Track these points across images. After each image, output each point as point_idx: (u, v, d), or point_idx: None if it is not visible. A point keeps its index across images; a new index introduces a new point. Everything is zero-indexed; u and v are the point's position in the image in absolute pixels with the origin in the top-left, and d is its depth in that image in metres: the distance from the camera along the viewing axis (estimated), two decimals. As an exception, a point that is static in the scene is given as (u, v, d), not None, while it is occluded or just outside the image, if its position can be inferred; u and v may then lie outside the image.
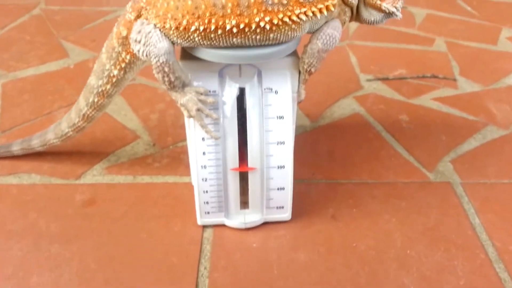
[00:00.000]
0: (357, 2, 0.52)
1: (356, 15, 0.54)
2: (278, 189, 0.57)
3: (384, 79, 0.91)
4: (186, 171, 0.67)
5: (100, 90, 0.57)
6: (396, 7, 0.52)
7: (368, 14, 0.53)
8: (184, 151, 0.71)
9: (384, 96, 0.86)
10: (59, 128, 0.64)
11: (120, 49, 0.53)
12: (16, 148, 0.68)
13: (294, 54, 0.54)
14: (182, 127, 0.76)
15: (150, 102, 0.83)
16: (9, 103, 0.82)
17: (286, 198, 0.57)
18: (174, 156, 0.71)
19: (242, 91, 0.53)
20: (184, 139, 0.74)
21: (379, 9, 0.52)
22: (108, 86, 0.57)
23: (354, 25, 1.13)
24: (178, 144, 0.73)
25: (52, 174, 0.66)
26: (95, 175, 0.67)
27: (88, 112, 0.60)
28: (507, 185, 0.66)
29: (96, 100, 0.59)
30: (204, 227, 0.59)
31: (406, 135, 0.76)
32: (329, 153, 0.72)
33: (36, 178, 0.66)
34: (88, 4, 1.23)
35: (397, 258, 0.56)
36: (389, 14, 0.53)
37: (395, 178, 0.67)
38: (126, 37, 0.51)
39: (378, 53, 1.02)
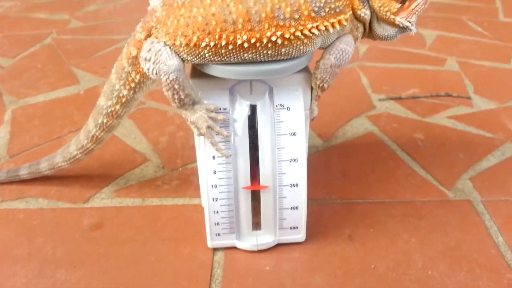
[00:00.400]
0: (369, 18, 0.51)
1: (369, 32, 0.53)
2: (291, 208, 0.55)
3: (397, 99, 0.90)
4: (196, 193, 0.65)
5: (109, 110, 0.57)
6: (410, 22, 0.51)
7: (382, 29, 0.52)
8: (194, 173, 0.70)
9: (397, 115, 0.85)
10: (68, 151, 0.63)
11: (130, 69, 0.53)
12: (23, 172, 0.67)
13: (306, 70, 0.53)
14: (192, 148, 0.75)
15: (159, 125, 0.82)
16: (19, 129, 0.82)
17: (300, 217, 0.55)
18: (183, 178, 0.69)
19: (253, 108, 0.52)
20: (194, 161, 0.72)
21: (393, 23, 0.51)
22: (118, 107, 0.56)
23: (363, 47, 1.13)
24: (187, 166, 0.72)
25: (60, 198, 0.65)
26: (104, 198, 0.65)
27: (97, 134, 0.60)
28: (531, 203, 0.64)
29: (105, 121, 0.58)
30: (215, 250, 0.57)
31: (422, 154, 0.74)
32: (343, 173, 0.70)
33: (44, 203, 0.65)
34: (99, 33, 1.25)
35: (418, 280, 0.53)
36: (403, 29, 0.52)
37: (412, 197, 0.65)
38: (136, 57, 0.51)
39: (389, 73, 1.01)
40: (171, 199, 0.65)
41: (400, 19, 0.51)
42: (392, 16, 0.50)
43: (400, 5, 0.50)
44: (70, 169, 0.67)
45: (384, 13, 0.50)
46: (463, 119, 0.83)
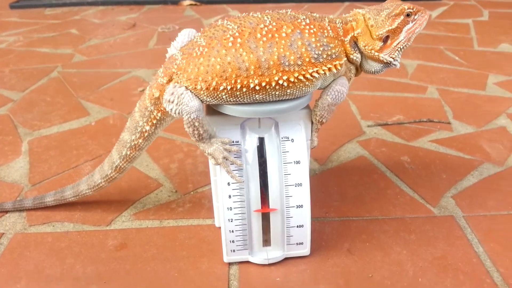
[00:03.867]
0: (360, 60, 0.59)
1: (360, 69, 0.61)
2: (297, 226, 0.62)
3: (384, 125, 0.98)
4: (208, 214, 0.72)
5: (132, 144, 0.64)
6: (393, 57, 0.59)
7: (369, 65, 0.60)
8: (205, 196, 0.77)
9: (385, 139, 0.93)
10: (92, 180, 0.70)
11: (152, 108, 0.60)
12: (49, 199, 0.73)
13: (307, 107, 0.61)
14: (201, 174, 0.82)
15: (169, 153, 0.89)
16: (37, 159, 0.88)
17: (305, 234, 0.62)
18: (195, 201, 0.76)
19: (261, 140, 0.60)
20: (204, 185, 0.79)
21: (377, 60, 0.59)
22: (140, 140, 0.63)
23: (351, 76, 1.22)
24: (198, 190, 0.79)
25: (84, 222, 0.71)
26: (124, 221, 0.71)
27: (120, 164, 0.66)
28: (507, 216, 0.72)
29: (128, 153, 0.65)
30: (230, 264, 0.63)
31: (409, 175, 0.82)
32: (340, 193, 0.77)
33: (69, 226, 0.70)
34: (104, 67, 1.32)
35: (410, 286, 0.60)
36: (387, 64, 0.60)
37: (402, 214, 0.73)
38: (158, 98, 0.58)
39: (376, 101, 1.10)
40: (186, 220, 0.71)
41: (383, 56, 0.59)
42: (376, 54, 0.59)
43: (382, 43, 0.59)
44: (91, 196, 0.73)
45: (369, 51, 0.59)
46: (444, 143, 0.92)
